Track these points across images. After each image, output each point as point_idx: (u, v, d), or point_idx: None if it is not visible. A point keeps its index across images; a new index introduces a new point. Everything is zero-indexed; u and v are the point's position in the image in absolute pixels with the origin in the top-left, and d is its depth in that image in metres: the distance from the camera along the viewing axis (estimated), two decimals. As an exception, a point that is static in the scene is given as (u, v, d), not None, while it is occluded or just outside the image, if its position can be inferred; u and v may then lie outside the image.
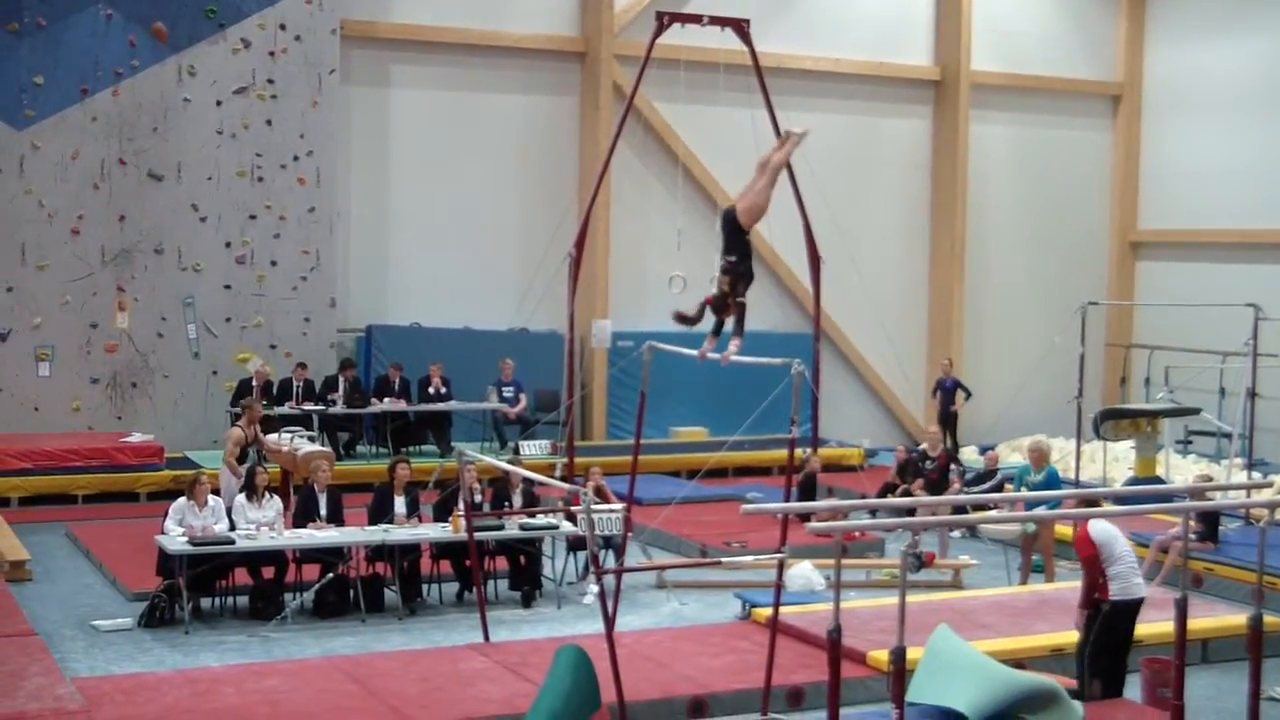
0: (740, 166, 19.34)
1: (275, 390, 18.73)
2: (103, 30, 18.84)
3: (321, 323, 20.11)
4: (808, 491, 15.89)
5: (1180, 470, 19.22)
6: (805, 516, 13.68)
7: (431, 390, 19.42)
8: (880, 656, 10.31)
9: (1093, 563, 9.91)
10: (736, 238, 9.73)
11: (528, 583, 13.43)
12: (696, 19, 12.74)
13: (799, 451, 13.08)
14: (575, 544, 13.90)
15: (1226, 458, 19.39)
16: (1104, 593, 9.93)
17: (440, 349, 20.10)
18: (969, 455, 20.34)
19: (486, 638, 11.68)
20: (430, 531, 13.21)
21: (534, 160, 21.64)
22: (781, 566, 10.48)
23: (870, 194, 23.44)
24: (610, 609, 9.53)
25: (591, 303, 21.06)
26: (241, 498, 13.15)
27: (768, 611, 10.87)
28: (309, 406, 18.55)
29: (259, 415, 16.12)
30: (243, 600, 12.83)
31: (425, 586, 13.34)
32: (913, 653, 7.98)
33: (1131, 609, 9.98)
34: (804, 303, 21.28)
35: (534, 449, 15.99)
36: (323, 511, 13.27)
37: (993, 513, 12.85)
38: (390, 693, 10.07)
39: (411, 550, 13.16)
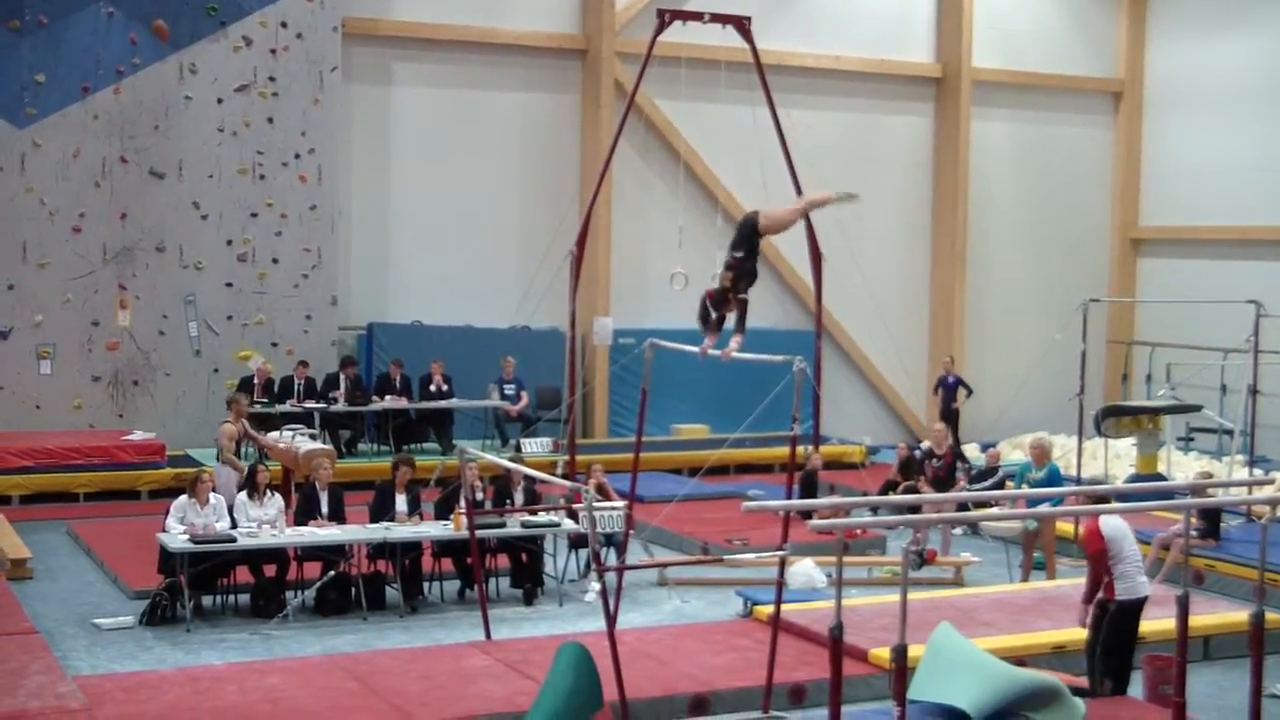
0: (742, 164, 19.52)
1: (276, 388, 18.72)
2: (104, 28, 18.85)
3: (323, 320, 20.11)
4: (809, 489, 15.88)
5: (1182, 467, 19.21)
6: (807, 514, 13.70)
7: (433, 388, 19.42)
8: (882, 654, 10.31)
9: (1100, 558, 9.91)
10: (748, 239, 9.78)
11: (529, 580, 13.44)
12: (698, 16, 12.72)
13: (800, 449, 13.07)
14: (577, 541, 13.90)
15: (1228, 454, 19.38)
16: (1109, 592, 9.93)
17: (442, 347, 20.09)
18: (970, 452, 20.32)
19: (488, 635, 11.67)
20: (432, 529, 13.20)
21: (535, 158, 21.65)
22: (783, 564, 10.48)
23: (871, 191, 23.26)
24: (612, 606, 9.53)
25: (593, 300, 21.06)
26: (243, 496, 13.14)
27: (769, 609, 10.87)
28: (310, 404, 18.55)
29: (246, 409, 16.15)
30: (244, 598, 12.83)
31: (427, 584, 13.34)
32: (914, 650, 7.98)
33: (1136, 608, 9.99)
34: (805, 300, 21.29)
35: (535, 446, 16.01)
36: (324, 509, 13.27)
37: (994, 510, 12.87)
38: (392, 690, 10.06)
39: (413, 548, 13.15)
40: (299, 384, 18.85)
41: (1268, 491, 11.81)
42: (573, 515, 13.44)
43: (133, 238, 19.15)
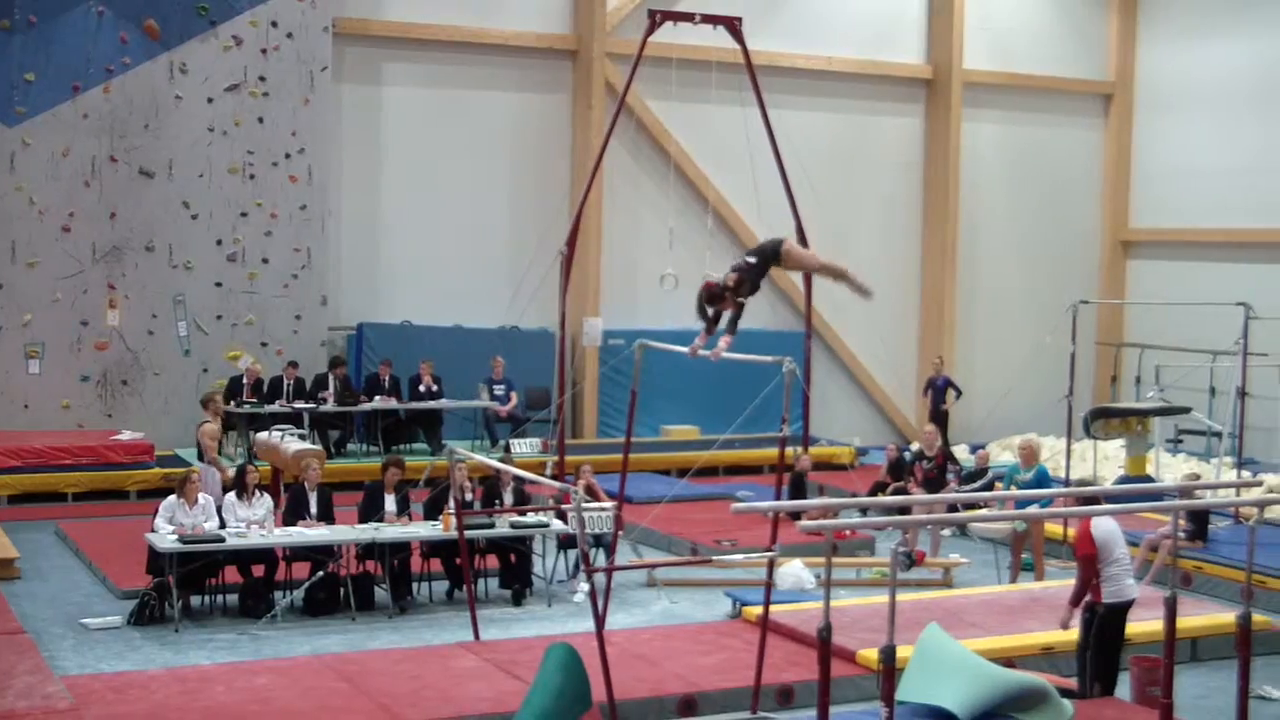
0: (732, 164, 19.51)
1: (266, 388, 18.69)
2: (94, 27, 18.81)
3: (312, 320, 20.09)
4: (798, 490, 15.90)
5: (1170, 469, 19.25)
6: (796, 515, 13.69)
7: (422, 388, 19.39)
8: (870, 655, 10.31)
9: (1090, 561, 9.92)
10: (765, 259, 9.88)
11: (518, 581, 13.43)
12: (689, 17, 12.79)
13: (790, 450, 13.09)
14: (566, 542, 13.90)
15: (1216, 456, 19.43)
16: (1096, 594, 9.94)
17: (431, 347, 20.06)
18: (960, 454, 20.35)
19: (477, 636, 11.66)
20: (420, 530, 13.20)
21: (526, 158, 21.62)
22: (772, 565, 10.48)
23: (862, 192, 23.44)
24: (601, 607, 9.52)
25: (583, 301, 21.05)
26: (232, 496, 13.13)
27: (758, 610, 10.87)
28: (300, 404, 18.51)
29: (222, 408, 16.13)
30: (233, 598, 12.81)
31: (415, 585, 13.33)
32: (903, 651, 7.98)
33: (1122, 610, 10.01)
34: (795, 301, 21.28)
35: (525, 447, 15.99)
36: (313, 509, 13.25)
37: (983, 511, 12.89)
38: (380, 691, 10.06)
39: (402, 548, 13.14)
40: (288, 384, 18.81)
41: (1255, 493, 11.80)
42: (562, 516, 13.45)
43: (122, 237, 19.12)
